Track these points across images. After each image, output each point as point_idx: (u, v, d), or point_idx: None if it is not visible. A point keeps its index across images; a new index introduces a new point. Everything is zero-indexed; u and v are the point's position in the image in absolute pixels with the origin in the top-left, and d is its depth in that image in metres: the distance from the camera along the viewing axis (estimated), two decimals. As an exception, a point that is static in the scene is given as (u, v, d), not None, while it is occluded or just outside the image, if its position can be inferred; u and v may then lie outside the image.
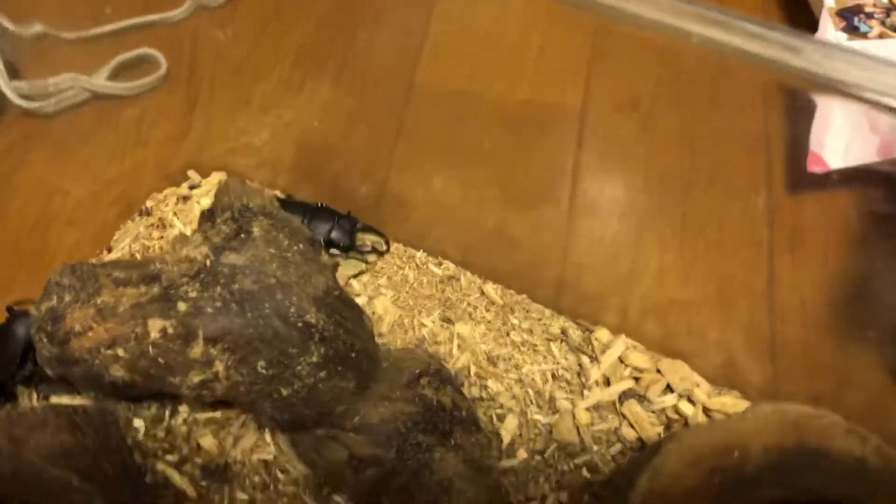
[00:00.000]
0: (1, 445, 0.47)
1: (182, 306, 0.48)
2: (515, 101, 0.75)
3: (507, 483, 0.56)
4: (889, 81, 0.42)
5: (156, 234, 0.70)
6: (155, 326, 0.48)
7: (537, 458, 0.58)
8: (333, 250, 0.69)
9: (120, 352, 0.48)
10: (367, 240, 0.70)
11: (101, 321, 0.48)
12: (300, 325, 0.48)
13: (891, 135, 0.61)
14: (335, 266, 0.68)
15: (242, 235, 0.50)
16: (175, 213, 0.71)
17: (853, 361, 0.61)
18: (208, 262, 0.49)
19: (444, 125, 0.75)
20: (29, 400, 0.60)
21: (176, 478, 0.55)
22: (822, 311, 0.63)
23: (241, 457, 0.57)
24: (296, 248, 0.51)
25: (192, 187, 0.74)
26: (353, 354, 0.50)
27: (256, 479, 0.56)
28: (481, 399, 0.61)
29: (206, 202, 0.71)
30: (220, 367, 0.48)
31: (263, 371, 0.48)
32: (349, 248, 0.68)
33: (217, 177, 0.74)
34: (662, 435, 0.58)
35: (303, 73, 0.76)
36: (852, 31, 0.73)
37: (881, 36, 0.73)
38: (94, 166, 0.74)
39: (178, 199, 0.72)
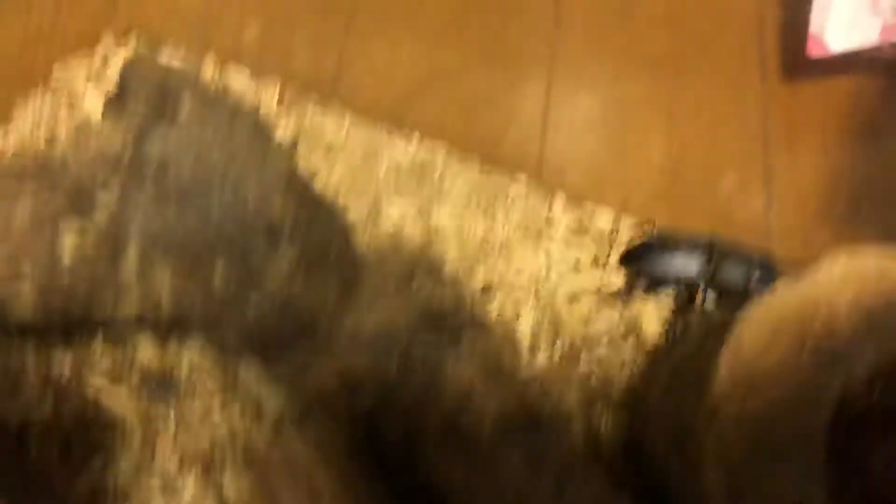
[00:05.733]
0: None
1: (102, 212, 0.40)
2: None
3: (533, 389, 0.50)
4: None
5: (63, 113, 0.61)
6: (70, 241, 0.39)
7: (553, 357, 0.53)
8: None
9: (26, 283, 0.39)
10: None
11: None
12: (261, 223, 0.41)
13: (892, 17, 0.60)
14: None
15: (166, 119, 0.43)
16: (86, 89, 0.62)
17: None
18: (127, 155, 0.41)
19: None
20: None
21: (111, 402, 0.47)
22: (820, 208, 0.60)
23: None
24: (240, 129, 0.44)
25: (107, 56, 0.64)
26: (330, 255, 0.45)
27: (211, 383, 0.46)
28: (484, 289, 0.55)
29: (124, 75, 0.61)
30: (163, 284, 0.40)
31: (221, 285, 0.41)
32: None
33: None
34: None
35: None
36: None
37: None
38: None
39: (89, 72, 0.63)
